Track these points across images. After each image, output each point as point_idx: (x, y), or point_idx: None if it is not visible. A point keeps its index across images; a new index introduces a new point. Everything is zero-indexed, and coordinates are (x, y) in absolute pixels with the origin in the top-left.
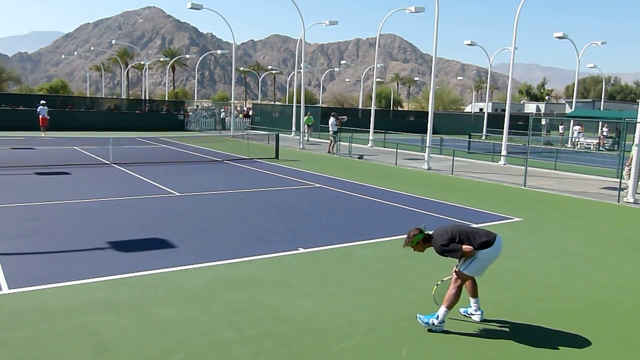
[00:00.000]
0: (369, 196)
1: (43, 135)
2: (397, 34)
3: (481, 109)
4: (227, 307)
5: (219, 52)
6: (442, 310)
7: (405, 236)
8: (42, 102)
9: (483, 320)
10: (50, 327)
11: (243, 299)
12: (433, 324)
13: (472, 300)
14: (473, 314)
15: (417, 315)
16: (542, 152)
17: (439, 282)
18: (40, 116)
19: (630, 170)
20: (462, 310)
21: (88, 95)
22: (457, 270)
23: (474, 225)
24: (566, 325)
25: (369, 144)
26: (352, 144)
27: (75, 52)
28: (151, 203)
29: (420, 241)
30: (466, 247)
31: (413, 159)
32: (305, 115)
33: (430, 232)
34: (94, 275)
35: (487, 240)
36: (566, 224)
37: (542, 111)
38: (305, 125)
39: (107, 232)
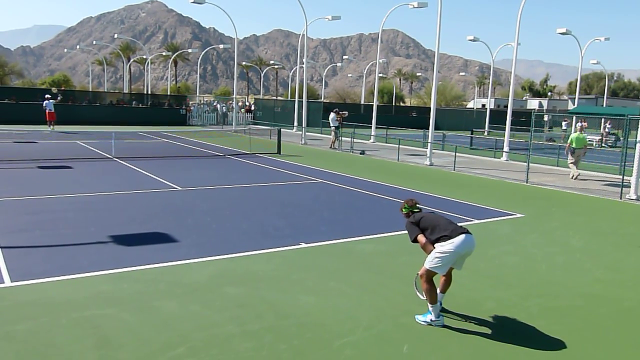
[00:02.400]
0: (370, 192)
1: (51, 128)
2: (400, 29)
3: (483, 105)
4: (229, 302)
5: (221, 46)
6: (430, 308)
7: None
8: (47, 96)
9: (484, 317)
10: (52, 320)
11: (244, 293)
12: (431, 320)
13: (435, 306)
14: (433, 320)
15: (415, 316)
16: (545, 148)
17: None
18: (47, 110)
19: (573, 159)
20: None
21: (90, 90)
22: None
23: (475, 221)
24: (568, 321)
25: (371, 140)
26: (354, 140)
27: (78, 46)
28: (153, 197)
29: (404, 213)
30: (420, 237)
31: (415, 154)
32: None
33: (417, 211)
34: (95, 269)
35: (445, 235)
36: (568, 220)
37: (545, 107)
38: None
39: (109, 226)
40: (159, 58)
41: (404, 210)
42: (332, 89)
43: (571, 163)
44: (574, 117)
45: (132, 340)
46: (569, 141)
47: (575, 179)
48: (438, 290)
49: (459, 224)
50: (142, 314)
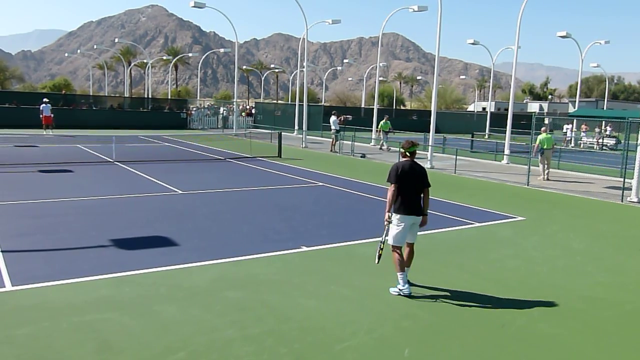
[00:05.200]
0: (371, 195)
1: (44, 133)
2: (400, 32)
3: (484, 108)
4: (230, 306)
5: (222, 50)
6: (397, 276)
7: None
8: (44, 99)
9: (485, 320)
10: (52, 324)
11: (245, 297)
12: (400, 290)
13: (403, 273)
14: (401, 289)
15: (389, 289)
16: None
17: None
18: (43, 114)
19: (542, 160)
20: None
21: (91, 94)
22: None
23: (476, 224)
24: (569, 324)
25: (372, 143)
26: (355, 143)
27: (78, 51)
28: (154, 201)
29: (402, 152)
30: (390, 189)
31: (416, 158)
32: (382, 119)
33: (412, 159)
34: (96, 273)
35: (402, 209)
36: (569, 223)
37: (545, 110)
38: (382, 130)
39: (110, 230)
40: (159, 62)
41: (403, 147)
42: (332, 92)
43: (541, 164)
44: (575, 120)
45: (132, 345)
46: (537, 142)
47: (546, 179)
48: (405, 265)
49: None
50: (142, 318)
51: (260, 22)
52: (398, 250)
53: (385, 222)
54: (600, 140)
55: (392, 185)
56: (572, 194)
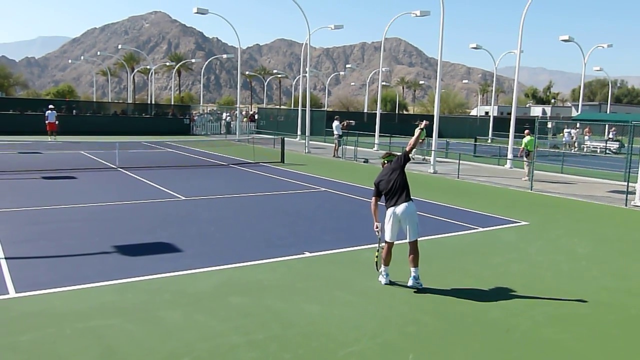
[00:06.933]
0: None
1: (49, 139)
2: (403, 37)
3: (487, 113)
4: (233, 311)
5: (225, 56)
6: (382, 269)
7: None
8: (50, 106)
9: (490, 325)
10: (56, 331)
11: (249, 303)
12: (380, 281)
13: (385, 268)
14: (380, 279)
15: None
16: (549, 155)
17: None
18: (47, 121)
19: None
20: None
21: (95, 100)
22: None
23: (480, 229)
24: (574, 329)
25: (375, 148)
26: (358, 148)
27: (82, 57)
28: (157, 207)
29: (382, 163)
30: (373, 202)
31: (419, 162)
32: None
33: (387, 163)
34: (100, 279)
35: (388, 204)
36: (573, 227)
37: (548, 114)
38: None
39: (114, 236)
40: (162, 68)
41: (383, 158)
42: (335, 97)
43: (526, 164)
44: (578, 124)
45: (136, 351)
46: (523, 145)
47: (526, 178)
48: (410, 266)
49: (406, 196)
50: (146, 324)
51: (263, 28)
52: (386, 246)
53: (376, 232)
54: (577, 142)
55: (373, 200)
56: (576, 198)
